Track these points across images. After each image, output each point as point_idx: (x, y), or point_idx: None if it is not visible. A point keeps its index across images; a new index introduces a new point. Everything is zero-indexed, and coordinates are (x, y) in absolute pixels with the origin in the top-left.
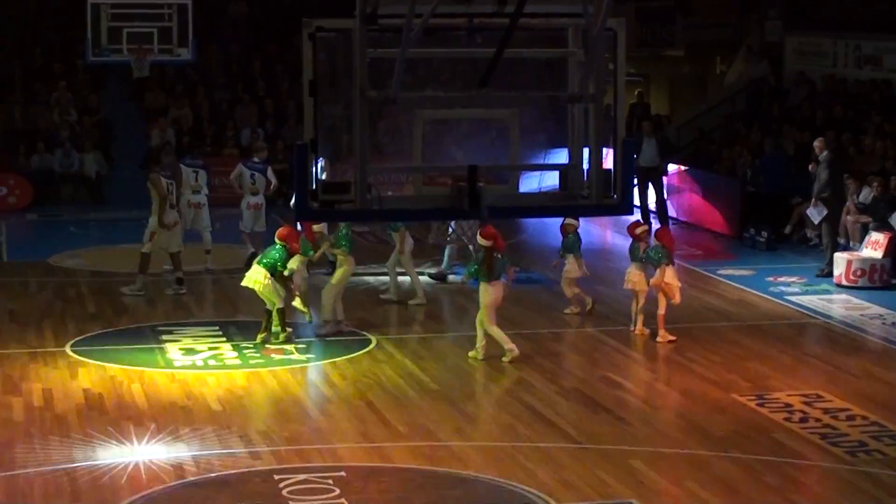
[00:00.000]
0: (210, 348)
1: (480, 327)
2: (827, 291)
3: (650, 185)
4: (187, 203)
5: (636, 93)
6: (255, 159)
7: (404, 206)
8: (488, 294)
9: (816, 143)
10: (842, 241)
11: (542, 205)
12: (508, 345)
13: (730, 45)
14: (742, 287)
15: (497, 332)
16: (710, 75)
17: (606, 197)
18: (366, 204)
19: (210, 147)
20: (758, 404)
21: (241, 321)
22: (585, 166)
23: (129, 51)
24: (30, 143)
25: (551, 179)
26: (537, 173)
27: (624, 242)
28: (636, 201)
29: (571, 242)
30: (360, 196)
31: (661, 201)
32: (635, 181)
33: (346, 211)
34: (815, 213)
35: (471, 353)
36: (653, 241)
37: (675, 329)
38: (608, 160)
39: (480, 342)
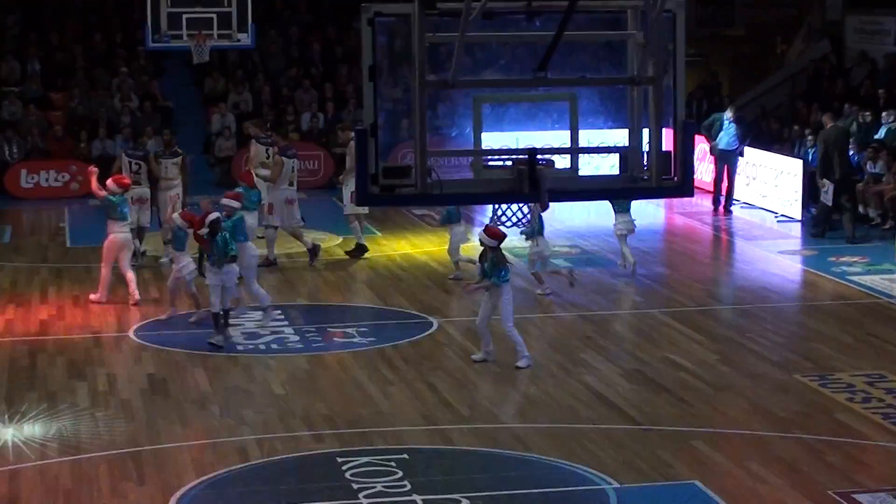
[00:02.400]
0: (272, 332)
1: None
2: (890, 271)
3: (725, 168)
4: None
5: (710, 74)
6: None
7: (465, 190)
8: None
9: (824, 118)
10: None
11: (603, 188)
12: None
13: (790, 25)
14: (804, 267)
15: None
16: (770, 55)
17: (667, 179)
18: (426, 188)
19: (271, 132)
20: (820, 384)
21: (302, 305)
22: (645, 149)
23: (188, 36)
24: (91, 129)
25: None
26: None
27: (683, 223)
28: (712, 185)
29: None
30: (420, 180)
31: (730, 184)
32: (714, 165)
33: (406, 195)
34: (825, 194)
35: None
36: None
37: (737, 309)
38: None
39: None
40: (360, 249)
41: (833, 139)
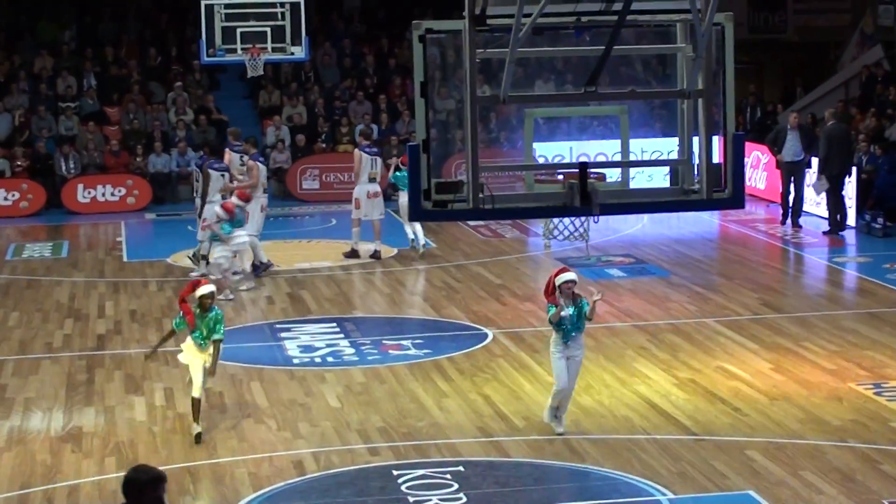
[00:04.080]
0: (328, 345)
1: None
2: None
3: (792, 179)
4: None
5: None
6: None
7: (516, 205)
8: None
9: (826, 114)
10: None
11: (654, 200)
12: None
13: (843, 31)
14: (859, 274)
15: None
16: (823, 61)
17: (718, 191)
18: (478, 203)
19: (325, 144)
20: (875, 393)
21: (358, 317)
22: (696, 161)
23: (243, 50)
24: (147, 144)
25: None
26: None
27: (737, 231)
28: (779, 197)
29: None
30: (472, 196)
31: (798, 196)
32: (780, 177)
33: (459, 211)
34: (819, 187)
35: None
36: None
37: (792, 318)
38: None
39: None
40: (353, 254)
41: (837, 136)
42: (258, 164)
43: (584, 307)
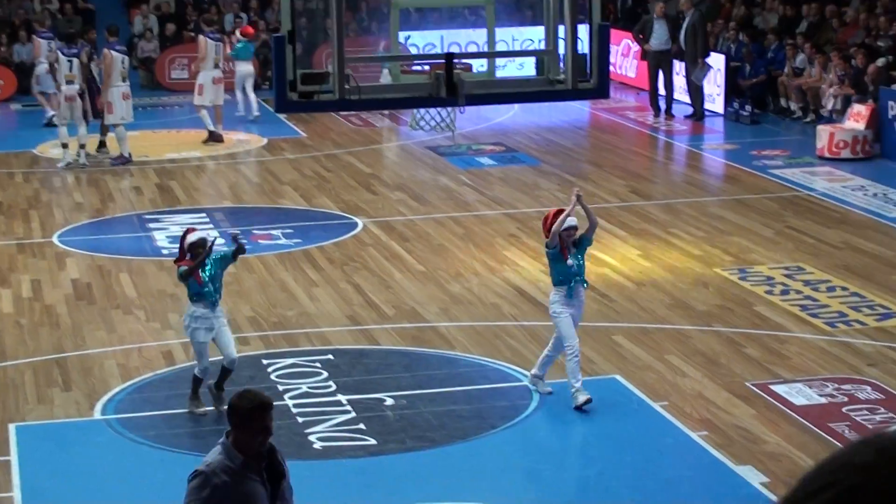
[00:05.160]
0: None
1: None
2: (810, 164)
3: (660, 69)
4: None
5: None
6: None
7: (383, 96)
8: None
9: (682, 2)
10: (825, 112)
11: (519, 90)
12: None
13: None
14: (726, 161)
15: None
16: None
17: (583, 81)
18: (344, 94)
19: (194, 33)
20: (740, 278)
21: (227, 207)
22: (561, 51)
23: None
24: (11, 33)
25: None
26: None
27: (607, 118)
28: (647, 85)
29: None
30: (338, 87)
31: (669, 85)
32: (647, 68)
33: (325, 101)
34: (702, 75)
35: None
36: None
37: (658, 205)
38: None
39: None
40: (213, 137)
41: (696, 21)
42: (111, 52)
43: (584, 243)
